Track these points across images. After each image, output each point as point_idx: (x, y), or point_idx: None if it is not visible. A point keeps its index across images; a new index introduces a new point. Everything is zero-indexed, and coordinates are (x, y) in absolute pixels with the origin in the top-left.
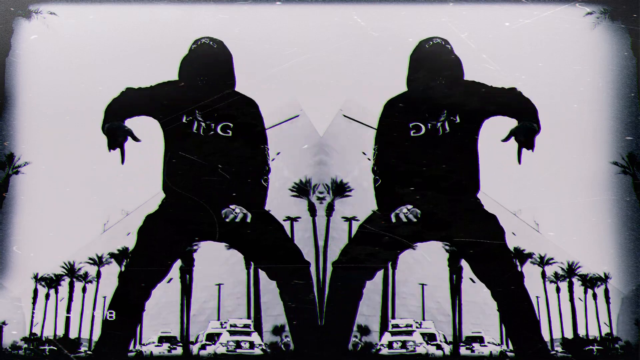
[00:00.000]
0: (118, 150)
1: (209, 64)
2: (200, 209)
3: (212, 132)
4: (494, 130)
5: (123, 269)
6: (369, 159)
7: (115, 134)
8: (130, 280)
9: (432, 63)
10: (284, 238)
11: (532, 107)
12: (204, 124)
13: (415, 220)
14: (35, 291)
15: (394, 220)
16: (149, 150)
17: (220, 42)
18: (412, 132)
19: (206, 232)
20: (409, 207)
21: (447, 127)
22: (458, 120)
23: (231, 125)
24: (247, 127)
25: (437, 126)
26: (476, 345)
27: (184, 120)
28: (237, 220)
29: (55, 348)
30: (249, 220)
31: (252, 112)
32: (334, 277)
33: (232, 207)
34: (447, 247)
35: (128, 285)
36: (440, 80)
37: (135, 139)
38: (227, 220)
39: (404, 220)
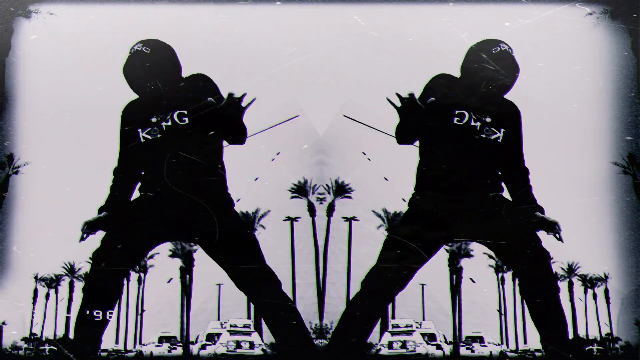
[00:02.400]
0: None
1: (151, 67)
2: (182, 208)
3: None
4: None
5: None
6: (369, 159)
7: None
8: (103, 265)
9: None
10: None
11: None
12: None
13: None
14: (35, 291)
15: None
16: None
17: (156, 42)
18: (456, 119)
19: (181, 231)
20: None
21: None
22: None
23: (185, 112)
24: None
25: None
26: (476, 345)
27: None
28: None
29: (55, 348)
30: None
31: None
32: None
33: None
34: (447, 248)
35: (101, 273)
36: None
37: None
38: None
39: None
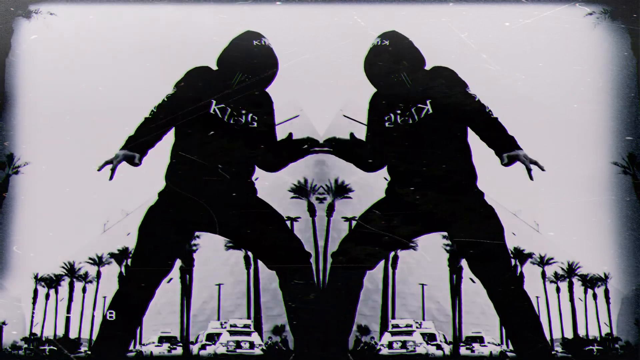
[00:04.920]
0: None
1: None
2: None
3: (242, 123)
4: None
5: (123, 269)
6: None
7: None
8: (133, 280)
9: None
10: (285, 236)
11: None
12: (236, 113)
13: None
14: (35, 291)
15: None
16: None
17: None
18: (386, 123)
19: (205, 225)
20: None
21: (417, 117)
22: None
23: (256, 117)
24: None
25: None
26: (476, 345)
27: (212, 109)
28: None
29: (55, 348)
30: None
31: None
32: (332, 277)
33: None
34: (447, 247)
35: (130, 285)
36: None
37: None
38: None
39: None
